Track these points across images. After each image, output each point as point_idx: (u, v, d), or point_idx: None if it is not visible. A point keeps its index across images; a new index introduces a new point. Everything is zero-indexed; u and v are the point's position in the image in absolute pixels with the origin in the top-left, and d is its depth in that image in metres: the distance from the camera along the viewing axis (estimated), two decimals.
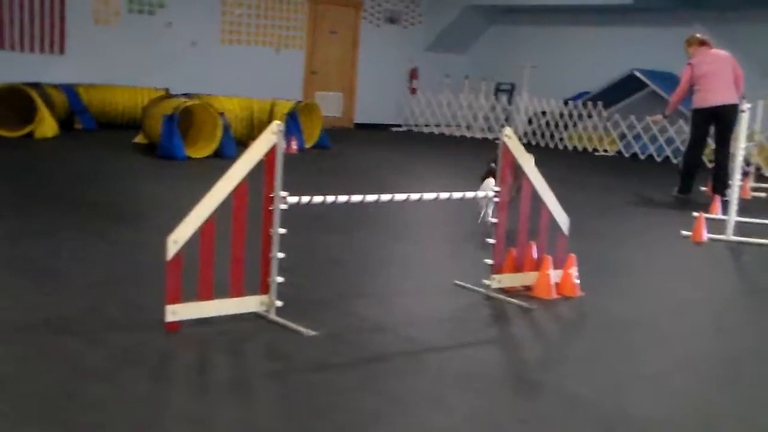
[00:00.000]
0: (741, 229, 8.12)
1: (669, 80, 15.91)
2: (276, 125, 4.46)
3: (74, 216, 7.14)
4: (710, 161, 10.96)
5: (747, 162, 10.96)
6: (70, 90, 14.05)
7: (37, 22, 14.77)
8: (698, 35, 10.53)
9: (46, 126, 12.58)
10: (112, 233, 6.59)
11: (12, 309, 4.53)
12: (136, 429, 3.19)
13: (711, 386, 4.12)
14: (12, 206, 7.41)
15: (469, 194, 5.32)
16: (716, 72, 10.11)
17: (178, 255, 4.22)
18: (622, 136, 15.86)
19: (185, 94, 12.97)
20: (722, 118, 10.10)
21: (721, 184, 10.11)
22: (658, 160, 14.95)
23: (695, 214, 8.11)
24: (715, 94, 10.05)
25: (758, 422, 3.67)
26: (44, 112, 12.60)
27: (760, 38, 15.54)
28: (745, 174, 10.62)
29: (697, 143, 10.45)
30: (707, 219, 7.98)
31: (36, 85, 13.14)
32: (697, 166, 10.56)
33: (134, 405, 3.40)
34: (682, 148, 14.70)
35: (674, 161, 14.65)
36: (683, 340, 4.85)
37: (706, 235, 7.71)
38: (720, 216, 8.71)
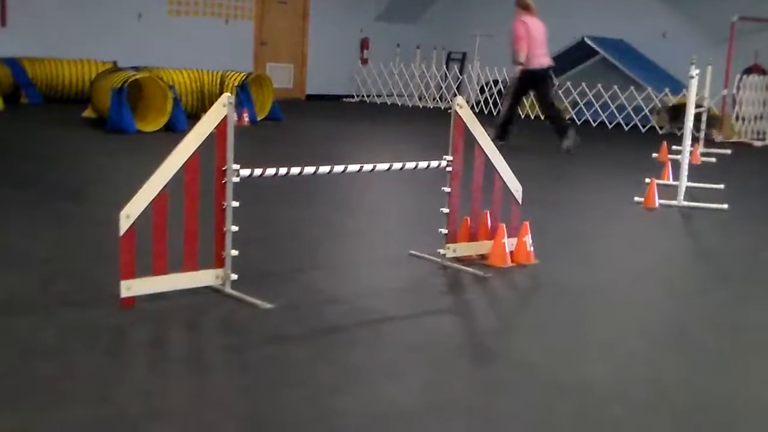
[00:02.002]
0: (692, 194, 8.23)
1: (620, 47, 16.06)
2: (226, 97, 4.41)
3: (23, 193, 7.02)
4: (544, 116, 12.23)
5: (696, 128, 11.11)
6: (14, 63, 13.77)
7: None
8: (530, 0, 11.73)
9: None
10: (63, 209, 6.49)
11: None
12: (89, 405, 3.16)
13: (662, 352, 4.18)
14: None
15: (422, 164, 5.31)
16: (541, 38, 11.82)
17: (130, 230, 4.17)
18: (575, 104, 15.96)
19: (134, 67, 12.78)
20: (545, 79, 11.82)
21: (561, 132, 11.50)
22: (610, 127, 15.08)
23: (647, 180, 8.21)
24: (541, 58, 11.71)
25: (707, 387, 3.74)
26: None
27: (709, 7, 15.69)
28: (694, 140, 10.76)
29: (519, 99, 12.10)
30: (658, 185, 8.07)
31: None
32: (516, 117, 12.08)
33: (88, 382, 3.36)
34: (633, 115, 14.89)
35: (609, 126, 14.80)
36: (635, 306, 4.91)
37: (657, 201, 7.81)
38: (671, 182, 8.82)
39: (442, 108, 17.31)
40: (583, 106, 15.68)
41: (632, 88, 15.07)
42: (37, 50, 14.53)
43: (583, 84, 15.56)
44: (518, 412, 3.34)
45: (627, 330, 4.45)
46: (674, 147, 11.03)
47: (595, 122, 15.43)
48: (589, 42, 15.59)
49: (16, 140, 10.07)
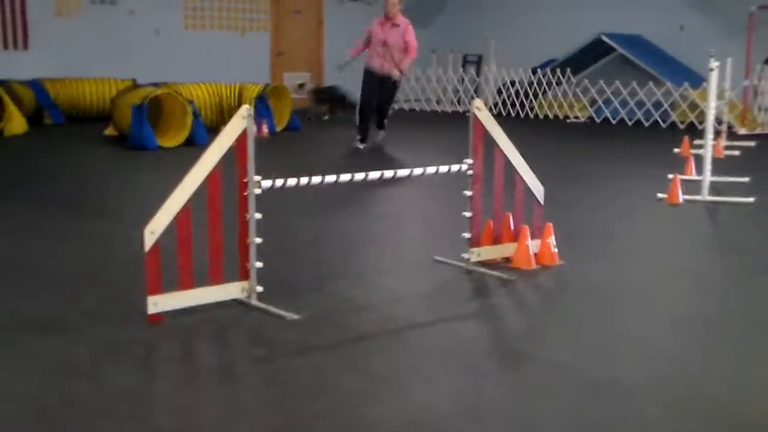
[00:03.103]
0: (716, 188, 8.17)
1: (637, 43, 15.98)
2: (245, 109, 4.42)
3: (48, 212, 7.07)
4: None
5: (719, 121, 11.04)
6: (36, 85, 13.88)
7: None
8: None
9: (15, 123, 12.42)
10: (88, 227, 6.53)
11: None
12: (122, 422, 3.17)
13: (695, 348, 4.15)
14: None
15: (443, 168, 5.30)
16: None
17: (155, 245, 4.19)
18: (593, 102, 15.90)
19: (153, 84, 12.85)
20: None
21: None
22: (630, 123, 15.00)
23: (670, 176, 8.15)
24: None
25: (741, 382, 3.70)
26: (12, 110, 12.44)
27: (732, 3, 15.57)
28: (717, 133, 10.67)
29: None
30: (682, 180, 8.02)
31: (2, 83, 12.97)
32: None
33: (119, 398, 3.38)
34: (653, 110, 14.80)
35: (629, 123, 14.73)
36: (664, 303, 4.87)
37: (681, 197, 7.75)
38: (694, 176, 8.75)
39: (460, 111, 17.28)
40: (602, 104, 15.61)
41: (651, 83, 14.98)
42: (59, 71, 14.63)
43: (601, 81, 15.48)
44: (553, 413, 3.32)
45: (658, 327, 4.41)
46: (696, 141, 10.94)
47: (614, 119, 15.36)
48: (605, 39, 15.52)
49: (40, 160, 10.15)
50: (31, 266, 5.39)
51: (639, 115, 15.03)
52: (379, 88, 11.35)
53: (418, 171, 5.18)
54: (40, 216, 6.92)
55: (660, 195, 7.89)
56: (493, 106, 16.85)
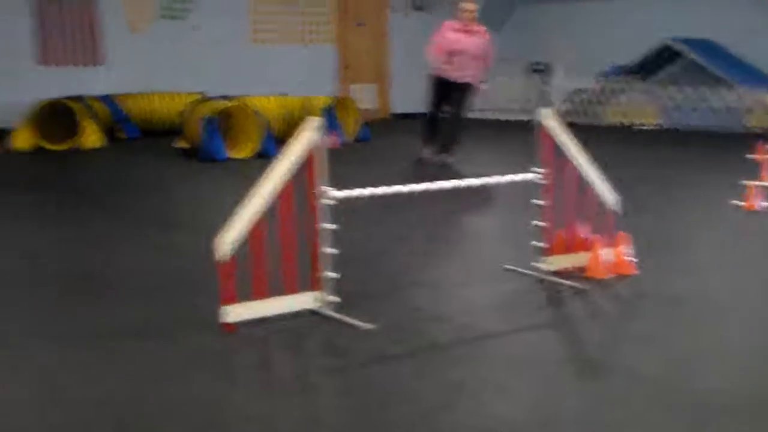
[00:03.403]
0: None
1: (707, 47, 15.71)
2: (315, 121, 4.46)
3: (125, 223, 7.21)
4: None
5: None
6: (110, 100, 14.21)
7: (76, 36, 14.96)
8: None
9: (91, 137, 12.75)
10: (162, 238, 6.64)
11: (70, 319, 4.58)
12: (203, 430, 3.22)
13: None
14: (63, 217, 7.51)
15: (514, 177, 5.28)
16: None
17: (229, 256, 4.24)
18: (662, 109, 15.67)
19: (222, 96, 13.04)
20: None
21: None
22: (700, 130, 14.74)
23: (745, 182, 7.97)
24: None
25: None
26: (88, 124, 12.75)
27: None
28: None
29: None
30: (757, 186, 7.84)
31: (78, 98, 13.30)
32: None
33: (197, 407, 3.43)
34: (725, 116, 14.52)
35: (700, 130, 14.45)
36: (744, 313, 4.76)
37: (759, 203, 7.58)
38: None
39: (527, 120, 17.17)
40: (671, 110, 15.38)
41: (722, 88, 14.71)
42: (132, 86, 14.95)
43: (671, 87, 15.26)
44: (631, 426, 3.27)
45: (739, 339, 4.32)
46: None
47: (684, 126, 15.11)
48: (673, 44, 15.30)
49: (115, 173, 10.38)
50: (108, 275, 5.51)
51: (710, 121, 14.76)
52: (452, 97, 10.88)
53: (487, 181, 5.16)
54: (117, 227, 7.06)
55: (736, 202, 7.73)
56: (560, 114, 16.71)
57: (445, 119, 10.97)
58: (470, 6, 10.64)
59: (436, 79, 10.86)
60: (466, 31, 10.63)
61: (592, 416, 3.36)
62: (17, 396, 3.59)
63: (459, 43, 10.58)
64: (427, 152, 11.08)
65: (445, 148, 10.80)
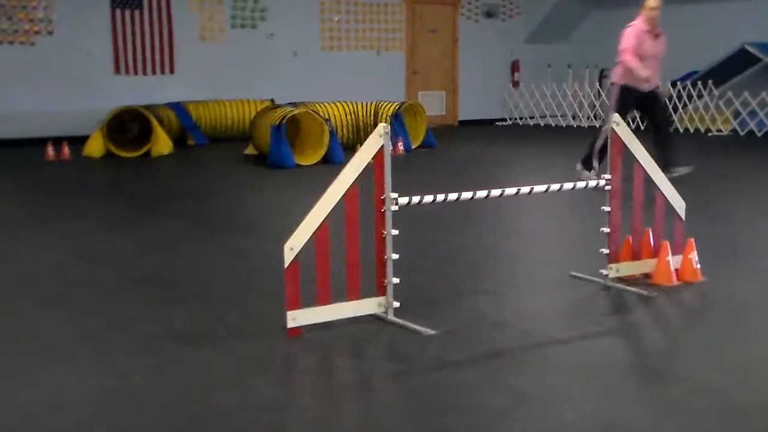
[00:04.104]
0: None
1: None
2: (382, 127, 4.49)
3: (191, 228, 7.34)
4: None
5: None
6: (180, 108, 14.49)
7: (149, 45, 15.30)
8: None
9: (161, 144, 12.99)
10: (229, 243, 6.75)
11: (140, 321, 4.69)
12: None
13: None
14: (133, 222, 7.68)
15: (580, 184, 5.24)
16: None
17: (294, 261, 4.30)
18: (737, 114, 15.36)
19: (290, 103, 13.19)
20: None
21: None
22: None
23: None
24: None
25: None
26: (159, 131, 13.01)
27: None
28: None
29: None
30: None
31: (150, 106, 13.59)
32: None
33: (262, 411, 3.48)
34: None
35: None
36: None
37: None
38: None
39: (597, 126, 16.99)
40: (746, 116, 15.06)
41: None
42: (201, 94, 15.24)
43: (746, 93, 14.96)
44: None
45: None
46: None
47: (760, 132, 14.80)
48: (750, 49, 14.98)
49: (184, 179, 10.57)
50: (179, 279, 5.61)
51: None
52: (650, 108, 9.74)
53: (554, 186, 5.13)
54: (187, 232, 7.19)
55: None
56: (630, 120, 16.50)
57: (657, 136, 9.66)
58: (655, 3, 9.45)
59: (624, 89, 9.47)
60: (655, 34, 9.55)
61: (654, 425, 3.32)
62: (87, 395, 3.69)
63: (650, 47, 9.48)
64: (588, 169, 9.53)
65: (670, 162, 9.31)
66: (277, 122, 11.25)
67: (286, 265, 4.30)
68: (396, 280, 4.60)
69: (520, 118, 19.01)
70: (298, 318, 4.36)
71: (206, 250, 6.51)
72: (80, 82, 14.77)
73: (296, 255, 4.30)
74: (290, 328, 4.35)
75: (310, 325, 4.40)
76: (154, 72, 15.44)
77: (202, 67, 15.75)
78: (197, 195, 9.30)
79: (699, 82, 15.68)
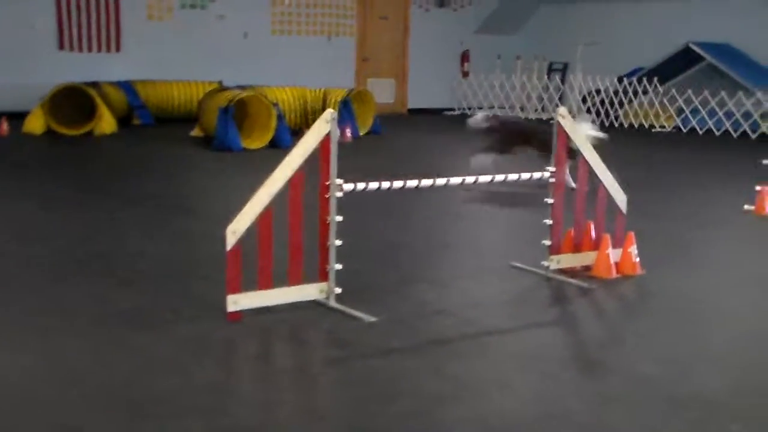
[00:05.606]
0: None
1: (726, 52, 15.62)
2: (329, 113, 4.47)
3: (134, 210, 7.25)
4: None
5: None
6: (127, 86, 14.27)
7: (94, 22, 15.02)
8: None
9: (105, 123, 12.78)
10: (173, 225, 6.68)
11: (80, 303, 4.62)
12: (204, 416, 3.24)
13: None
14: (74, 201, 7.55)
15: (524, 175, 5.28)
16: None
17: (237, 245, 4.27)
18: (680, 111, 15.60)
19: (239, 86, 13.08)
20: None
21: None
22: (717, 134, 14.68)
23: (758, 187, 7.94)
24: None
25: None
26: (103, 110, 12.79)
27: None
28: None
29: None
30: None
31: (95, 84, 13.36)
32: None
33: (203, 395, 3.45)
34: (742, 121, 14.43)
35: (717, 133, 14.36)
36: (747, 315, 4.77)
37: None
38: None
39: (544, 119, 17.15)
40: (689, 114, 15.31)
41: (740, 93, 14.63)
42: (149, 73, 15.01)
43: (689, 91, 15.20)
44: (631, 425, 3.28)
45: (741, 341, 4.32)
46: None
47: (701, 129, 15.05)
48: (694, 47, 15.22)
49: (128, 159, 10.42)
50: (120, 261, 5.54)
51: (727, 125, 14.69)
52: None
53: (499, 177, 5.16)
54: (129, 213, 7.10)
55: (747, 206, 7.70)
56: (577, 114, 16.67)
57: None
58: None
59: None
60: None
61: (592, 414, 3.37)
62: (27, 377, 3.63)
63: None
64: None
65: None
66: (225, 105, 11.15)
67: (228, 249, 4.27)
68: (339, 267, 4.59)
69: (469, 108, 19.08)
70: (238, 302, 4.34)
71: (149, 232, 6.43)
72: (22, 57, 14.42)
73: (239, 239, 4.27)
74: (231, 312, 4.32)
75: (252, 309, 4.38)
76: (99, 49, 15.16)
77: (149, 46, 15.50)
78: (141, 176, 9.18)
79: (644, 79, 15.89)
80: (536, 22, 19.80)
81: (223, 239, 4.27)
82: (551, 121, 5.32)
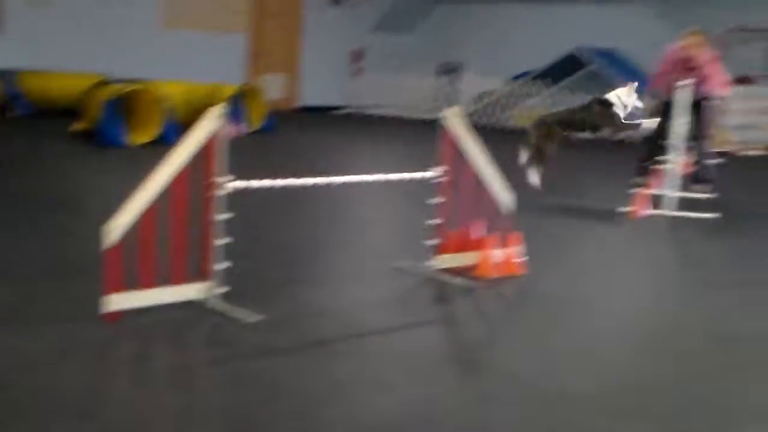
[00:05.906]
0: (681, 203, 8.23)
1: (611, 58, 16.10)
2: (217, 109, 4.42)
3: (8, 205, 7.01)
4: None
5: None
6: (5, 74, 13.74)
7: None
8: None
9: None
10: (49, 222, 6.49)
11: None
12: (72, 421, 3.16)
13: (644, 360, 4.20)
14: None
15: (412, 175, 5.32)
16: None
17: (116, 244, 4.18)
18: None
19: (126, 80, 12.78)
20: None
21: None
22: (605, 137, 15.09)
23: (633, 190, 8.22)
24: None
25: (690, 394, 3.76)
26: None
27: (703, 16, 15.69)
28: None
29: None
30: (645, 195, 8.09)
31: None
32: None
33: (71, 397, 3.36)
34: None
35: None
36: (619, 315, 4.94)
37: (644, 211, 7.83)
38: (658, 191, 8.81)
39: (435, 119, 17.34)
40: None
41: None
42: (31, 62, 14.51)
43: (577, 94, 15.59)
44: (504, 423, 3.35)
45: (611, 339, 4.48)
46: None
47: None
48: (578, 53, 15.63)
49: (5, 153, 10.05)
50: None
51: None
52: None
53: (385, 177, 5.20)
54: (5, 208, 6.86)
55: (623, 209, 7.95)
56: (468, 115, 16.90)
57: None
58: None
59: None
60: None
61: (469, 414, 3.42)
62: None
63: None
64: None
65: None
66: (111, 98, 10.89)
67: (106, 247, 4.17)
68: (222, 266, 4.54)
69: (360, 107, 19.13)
70: (117, 302, 4.24)
71: (26, 229, 6.24)
72: None
73: (118, 237, 4.18)
74: (109, 313, 4.22)
75: (131, 309, 4.29)
76: None
77: (30, 33, 14.97)
78: (18, 170, 8.88)
79: (537, 81, 16.21)
80: (432, 22, 20.00)
81: (102, 237, 4.17)
82: (437, 122, 5.37)
